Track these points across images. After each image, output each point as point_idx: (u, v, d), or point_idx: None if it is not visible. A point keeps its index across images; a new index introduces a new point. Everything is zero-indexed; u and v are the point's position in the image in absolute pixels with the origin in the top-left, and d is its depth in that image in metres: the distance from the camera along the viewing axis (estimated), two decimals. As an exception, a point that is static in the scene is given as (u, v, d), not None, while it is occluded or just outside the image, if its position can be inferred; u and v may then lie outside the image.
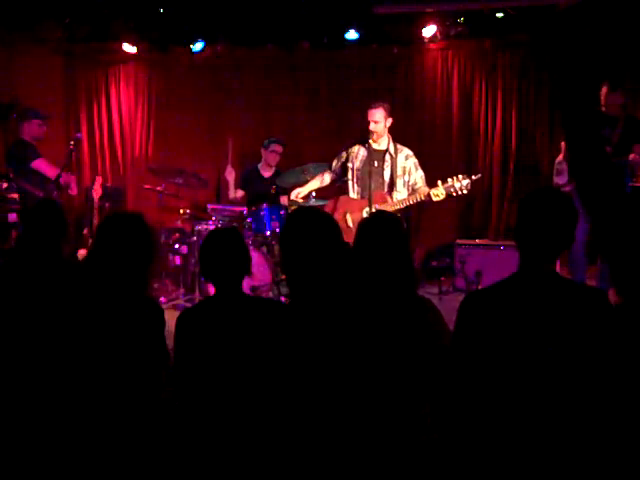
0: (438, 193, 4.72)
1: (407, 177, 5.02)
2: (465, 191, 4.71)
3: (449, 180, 4.69)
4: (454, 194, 4.71)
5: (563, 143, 5.72)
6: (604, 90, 5.25)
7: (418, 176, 5.03)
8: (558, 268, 5.52)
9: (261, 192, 6.23)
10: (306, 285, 2.13)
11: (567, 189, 5.37)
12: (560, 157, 6.00)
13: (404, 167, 5.02)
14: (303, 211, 2.44)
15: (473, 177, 4.72)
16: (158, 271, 6.17)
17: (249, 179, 6.54)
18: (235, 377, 2.37)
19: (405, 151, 5.07)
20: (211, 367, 2.41)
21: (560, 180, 5.58)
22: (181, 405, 2.46)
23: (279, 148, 6.42)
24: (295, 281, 2.18)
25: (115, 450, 2.30)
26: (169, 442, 2.40)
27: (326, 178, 5.45)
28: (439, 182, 4.75)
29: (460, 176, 4.71)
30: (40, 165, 5.54)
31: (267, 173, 6.49)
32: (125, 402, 2.34)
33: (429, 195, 4.75)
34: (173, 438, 2.41)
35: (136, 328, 2.39)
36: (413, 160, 5.04)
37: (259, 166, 6.54)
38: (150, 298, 2.58)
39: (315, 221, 2.16)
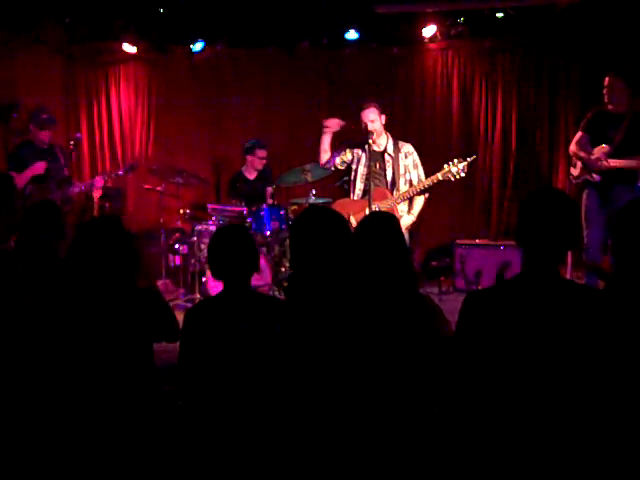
0: (434, 179, 4.83)
1: (408, 175, 5.05)
2: (462, 174, 4.81)
3: (445, 167, 4.78)
4: (452, 179, 4.80)
5: (575, 149, 5.20)
6: (607, 80, 4.94)
7: (416, 175, 5.06)
8: (569, 271, 5.52)
9: (248, 194, 6.24)
10: (317, 281, 2.14)
11: (578, 182, 5.18)
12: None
13: (405, 165, 5.04)
14: (316, 209, 2.45)
15: (468, 159, 4.81)
16: (158, 271, 6.19)
17: (235, 184, 6.54)
18: (243, 373, 2.38)
19: (405, 148, 5.08)
20: (218, 363, 2.42)
21: (574, 172, 5.34)
22: (185, 401, 2.47)
23: (263, 153, 6.43)
24: (305, 277, 2.19)
25: (116, 442, 2.32)
26: (171, 437, 2.41)
27: (348, 156, 5.38)
28: (438, 174, 4.83)
29: (456, 160, 4.80)
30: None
31: (252, 175, 6.52)
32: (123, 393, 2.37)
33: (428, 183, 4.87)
34: (176, 433, 2.42)
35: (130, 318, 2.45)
36: (412, 158, 5.07)
37: (243, 169, 6.54)
38: (148, 289, 2.60)
39: (329, 219, 2.17)
